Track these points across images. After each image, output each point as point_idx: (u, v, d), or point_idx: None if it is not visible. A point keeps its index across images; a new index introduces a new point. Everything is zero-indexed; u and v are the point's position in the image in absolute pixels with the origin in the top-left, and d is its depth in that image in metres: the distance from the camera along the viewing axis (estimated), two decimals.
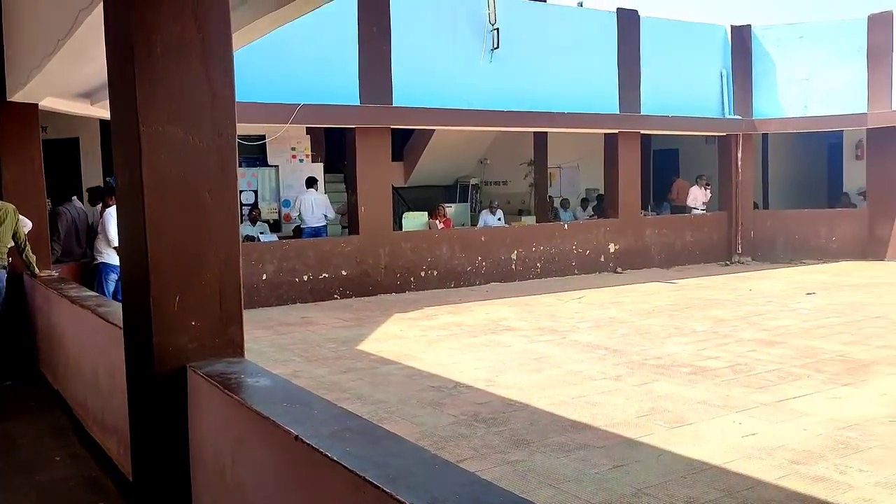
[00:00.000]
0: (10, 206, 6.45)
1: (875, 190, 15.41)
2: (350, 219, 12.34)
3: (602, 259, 14.20)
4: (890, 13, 14.96)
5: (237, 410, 2.60)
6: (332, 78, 11.39)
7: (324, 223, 12.22)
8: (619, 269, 14.22)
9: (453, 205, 15.01)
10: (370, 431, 2.26)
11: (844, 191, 16.95)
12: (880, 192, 15.26)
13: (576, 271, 13.82)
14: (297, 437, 2.19)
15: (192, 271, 3.06)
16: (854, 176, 16.62)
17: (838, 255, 15.30)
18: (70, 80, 6.37)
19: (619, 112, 14.27)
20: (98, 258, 8.52)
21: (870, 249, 15.19)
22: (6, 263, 6.45)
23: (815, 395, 5.85)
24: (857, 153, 16.61)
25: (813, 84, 15.52)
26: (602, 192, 15.45)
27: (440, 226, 13.18)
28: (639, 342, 7.97)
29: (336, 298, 11.41)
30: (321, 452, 2.05)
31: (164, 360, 3.03)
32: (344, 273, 11.56)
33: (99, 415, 4.66)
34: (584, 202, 16.39)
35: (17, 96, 6.84)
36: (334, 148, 14.46)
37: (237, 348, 3.16)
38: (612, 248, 14.30)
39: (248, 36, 4.55)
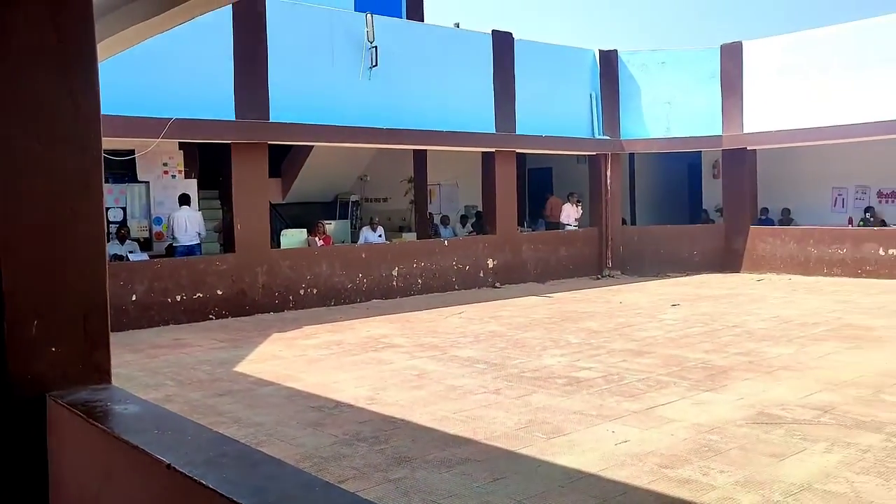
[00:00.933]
0: None
1: (730, 207, 16.56)
2: (226, 236, 11.98)
3: (481, 274, 14.47)
4: (739, 43, 16.18)
5: (103, 441, 2.46)
6: (207, 92, 11.07)
7: (198, 241, 11.80)
8: (497, 284, 14.53)
9: (333, 221, 14.89)
10: (248, 456, 2.19)
11: (704, 207, 18.13)
12: (734, 208, 16.41)
13: (456, 287, 14.01)
14: (169, 466, 2.09)
15: (53, 294, 2.87)
16: (712, 194, 17.82)
17: (699, 267, 16.30)
18: None
19: (495, 131, 14.64)
20: None
21: (727, 262, 16.27)
22: None
23: (680, 401, 6.18)
24: (714, 172, 17.81)
25: (674, 107, 16.52)
26: (480, 209, 15.77)
27: (320, 243, 13.03)
28: (517, 355, 8.17)
29: (211, 319, 11.02)
30: (196, 480, 1.97)
31: (20, 389, 2.82)
32: (219, 292, 11.20)
33: None
34: (464, 219, 16.67)
35: None
36: (209, 163, 14.01)
37: (103, 374, 2.99)
38: (490, 263, 14.60)
39: (115, 46, 4.35)
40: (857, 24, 14.71)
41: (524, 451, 5.04)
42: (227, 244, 11.87)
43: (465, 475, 4.63)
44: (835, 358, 7.65)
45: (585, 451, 5.01)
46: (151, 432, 2.40)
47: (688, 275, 15.92)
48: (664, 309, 11.34)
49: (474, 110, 14.35)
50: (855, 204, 16.25)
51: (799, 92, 15.21)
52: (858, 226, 15.60)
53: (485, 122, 14.53)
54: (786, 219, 16.73)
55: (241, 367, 7.87)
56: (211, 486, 1.92)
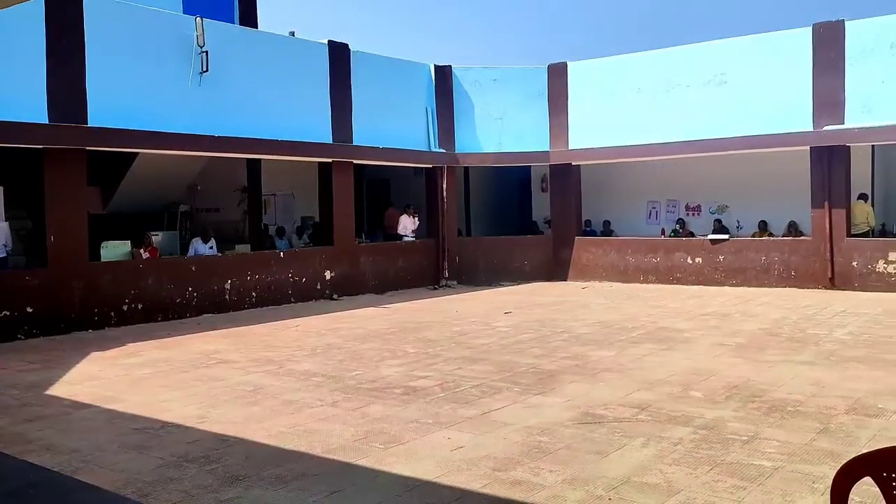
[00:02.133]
0: None
1: (557, 219, 17.47)
2: (38, 249, 11.02)
3: (318, 286, 14.28)
4: (564, 64, 17.14)
5: None
6: (14, 92, 10.17)
7: (3, 254, 10.78)
8: (335, 296, 14.40)
9: (161, 233, 14.13)
10: (60, 484, 2.03)
11: (533, 219, 18.98)
12: (561, 221, 17.33)
13: (292, 299, 13.74)
14: None
15: None
16: (541, 206, 18.71)
17: (530, 276, 17.04)
18: None
19: (332, 141, 14.54)
20: None
21: (555, 271, 17.12)
22: None
23: (512, 405, 6.41)
24: (543, 186, 18.72)
25: (505, 123, 17.21)
26: (318, 219, 15.58)
27: (146, 255, 12.32)
28: (354, 367, 8.13)
29: (20, 339, 10.11)
30: None
31: None
32: (29, 310, 10.29)
33: None
34: (300, 230, 16.40)
35: None
36: (16, 170, 12.85)
37: None
38: (328, 275, 14.45)
39: None
40: (667, 50, 16.05)
41: (362, 463, 5.02)
42: (39, 258, 10.93)
43: (302, 490, 4.54)
44: (650, 359, 8.25)
45: (422, 458, 5.07)
46: None
47: (519, 283, 16.59)
48: (498, 317, 11.73)
49: (311, 120, 14.19)
50: (667, 216, 17.67)
51: (617, 111, 16.34)
52: (669, 236, 16.97)
53: (322, 132, 14.40)
54: (607, 230, 17.89)
55: (55, 390, 7.26)
56: None
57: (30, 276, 10.55)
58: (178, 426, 5.95)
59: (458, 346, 9.30)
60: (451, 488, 4.53)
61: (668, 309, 12.31)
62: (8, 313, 10.10)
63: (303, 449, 5.31)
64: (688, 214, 17.44)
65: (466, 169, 18.60)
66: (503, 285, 16.41)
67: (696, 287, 15.22)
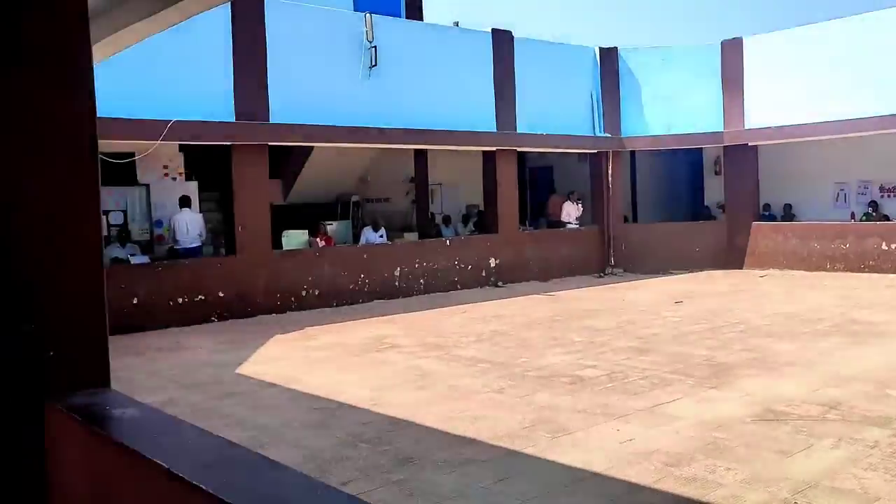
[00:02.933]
0: None
1: (732, 203, 16.50)
2: (227, 238, 11.95)
3: (483, 273, 14.43)
4: (740, 39, 16.13)
5: (102, 446, 2.43)
6: (207, 93, 11.05)
7: (199, 244, 11.78)
8: (499, 283, 14.49)
9: (334, 222, 14.85)
10: (249, 460, 2.16)
11: (705, 204, 18.07)
12: (736, 205, 16.36)
13: (458, 286, 13.97)
14: (169, 471, 2.06)
15: (50, 298, 2.84)
16: (713, 190, 17.76)
17: (702, 264, 16.25)
18: None
19: (496, 130, 14.60)
20: None
21: (729, 259, 16.21)
22: None
23: (685, 398, 6.14)
24: (716, 169, 17.74)
25: (674, 104, 16.47)
26: (482, 208, 15.74)
27: (321, 244, 13.00)
28: (521, 354, 8.13)
29: (213, 321, 11.00)
30: (196, 486, 1.94)
31: (16, 395, 2.79)
32: (221, 295, 11.17)
33: None
34: (466, 218, 16.63)
35: None
36: (210, 165, 13.99)
37: (102, 378, 2.96)
38: (492, 262, 14.56)
39: (110, 48, 4.32)
40: (858, 17, 14.65)
41: (529, 451, 5.01)
42: (229, 246, 11.83)
43: (469, 475, 4.60)
44: (839, 353, 7.61)
45: (590, 449, 4.98)
46: (151, 437, 2.37)
47: (690, 272, 15.87)
48: (667, 306, 11.30)
49: (475, 109, 14.32)
50: (857, 199, 16.19)
51: (800, 87, 15.15)
52: (861, 220, 15.55)
53: (485, 120, 14.49)
54: (788, 214, 16.66)
55: (244, 370, 7.85)
56: (212, 492, 1.88)
57: (221, 263, 11.45)
58: (353, 407, 6.23)
59: (625, 335, 9.06)
60: (622, 481, 4.41)
61: (859, 299, 11.30)
62: (203, 297, 11.02)
63: (470, 434, 5.38)
64: (882, 196, 15.87)
65: (633, 153, 18.02)
66: (672, 273, 15.78)
67: (892, 276, 13.85)
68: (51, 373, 2.85)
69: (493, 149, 14.55)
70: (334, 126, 12.23)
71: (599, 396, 6.29)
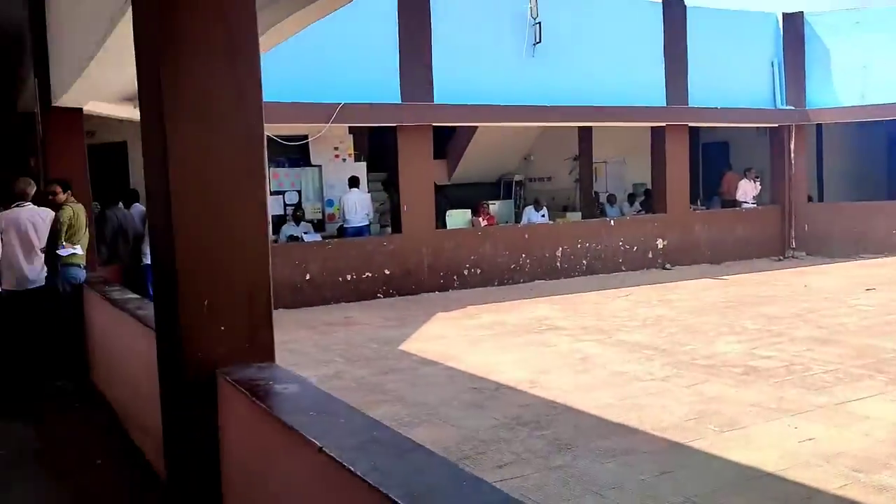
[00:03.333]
0: (80, 207, 6.51)
1: None
2: (392, 218, 12.28)
3: (650, 255, 13.89)
4: None
5: (264, 419, 2.52)
6: (373, 76, 11.35)
7: (366, 223, 12.21)
8: (667, 266, 13.89)
9: (497, 202, 14.86)
10: (398, 443, 2.15)
11: None
12: None
13: (623, 268, 13.55)
14: (320, 449, 2.09)
15: (221, 275, 2.99)
16: None
17: None
18: (111, 84, 6.41)
19: (665, 104, 13.93)
20: (144, 259, 8.61)
21: None
22: (84, 263, 6.51)
23: (877, 396, 5.56)
24: None
25: (870, 72, 14.92)
26: (649, 186, 15.12)
27: (483, 223, 13.05)
28: (688, 341, 7.73)
29: (379, 298, 11.37)
30: (345, 467, 1.95)
31: (193, 365, 2.98)
32: (387, 272, 11.52)
33: (137, 417, 4.66)
34: (631, 197, 16.06)
35: (62, 101, 6.94)
36: (377, 146, 14.45)
37: (267, 353, 3.08)
38: (660, 244, 13.97)
39: (276, 36, 4.49)
40: None
41: (694, 444, 4.73)
42: (394, 225, 12.16)
43: (630, 466, 4.41)
44: None
45: (763, 447, 4.62)
46: (308, 413, 2.43)
47: (885, 256, 14.40)
48: (857, 293, 10.31)
49: (643, 83, 13.72)
50: None
51: None
52: None
53: (655, 94, 13.85)
54: None
55: (406, 346, 8.03)
56: (359, 474, 1.88)
57: (387, 241, 11.80)
58: (511, 388, 6.18)
59: (806, 324, 8.36)
60: (800, 485, 4.05)
61: None
62: (370, 274, 11.42)
63: (631, 424, 5.17)
64: None
65: (819, 126, 16.56)
66: (864, 257, 14.39)
67: None
68: (222, 347, 3.01)
69: (663, 124, 13.89)
70: (498, 105, 12.17)
71: (775, 390, 5.84)
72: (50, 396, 6.25)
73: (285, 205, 12.70)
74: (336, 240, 12.00)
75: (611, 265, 13.46)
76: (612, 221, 13.99)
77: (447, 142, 15.51)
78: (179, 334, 2.96)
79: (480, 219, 13.10)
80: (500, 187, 16.64)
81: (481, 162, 15.86)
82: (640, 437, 4.90)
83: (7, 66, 10.10)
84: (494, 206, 14.19)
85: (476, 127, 14.29)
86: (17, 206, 6.57)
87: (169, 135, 2.89)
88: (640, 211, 15.26)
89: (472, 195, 14.78)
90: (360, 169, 13.29)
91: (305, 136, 12.23)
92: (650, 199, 14.94)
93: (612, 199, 15.41)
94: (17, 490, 4.27)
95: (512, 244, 12.63)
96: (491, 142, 15.32)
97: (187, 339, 2.96)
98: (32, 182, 6.86)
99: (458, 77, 11.93)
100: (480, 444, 4.86)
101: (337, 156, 13.30)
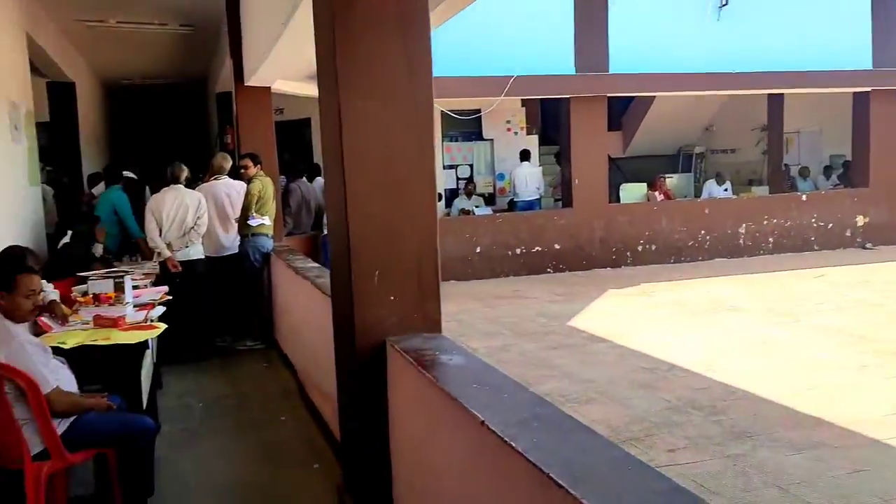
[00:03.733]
0: (269, 180, 6.98)
1: None
2: (564, 191, 12.10)
3: (848, 233, 12.71)
4: None
5: (429, 389, 2.55)
6: (547, 48, 11.15)
7: (537, 197, 12.11)
8: (868, 245, 12.65)
9: (675, 175, 14.21)
10: (560, 422, 2.09)
11: None
12: None
13: (815, 247, 12.51)
14: (483, 423, 2.08)
15: (391, 247, 3.06)
16: None
17: None
18: (296, 63, 6.75)
19: (872, 67, 12.59)
20: (325, 230, 9.07)
21: None
22: (272, 233, 7.00)
23: None
24: None
25: None
26: (849, 158, 13.80)
27: (660, 198, 12.53)
28: (892, 328, 7.00)
29: (549, 272, 11.27)
30: (506, 442, 1.92)
31: (365, 333, 3.07)
32: (557, 247, 11.38)
33: (317, 380, 4.92)
34: (828, 170, 14.74)
35: (252, 80, 7.41)
36: (549, 120, 14.26)
37: (434, 324, 3.12)
38: (860, 221, 12.74)
39: (449, 9, 4.49)
40: None
41: (894, 442, 4.28)
42: (565, 199, 11.98)
43: (819, 461, 4.07)
44: None
45: None
46: (471, 386, 2.42)
47: None
48: None
49: (844, 44, 12.46)
50: None
51: None
52: None
53: (858, 56, 12.55)
54: None
55: (575, 322, 7.90)
56: (520, 451, 1.85)
57: (557, 216, 11.63)
58: (685, 370, 5.90)
59: None
60: None
61: None
62: (539, 248, 11.33)
63: (820, 415, 4.76)
64: None
65: None
66: None
67: None
68: (392, 316, 3.09)
69: (867, 89, 12.57)
70: (678, 73, 11.57)
71: None
72: (241, 356, 6.78)
73: (457, 179, 12.88)
74: (506, 213, 12.02)
75: (801, 244, 12.47)
76: (804, 196, 12.92)
77: (622, 113, 14.99)
78: (352, 303, 3.06)
79: (656, 193, 12.59)
80: (679, 160, 15.87)
81: (659, 133, 15.18)
82: (831, 430, 4.51)
83: (208, 53, 10.96)
84: (672, 180, 13.58)
85: (653, 97, 13.69)
86: (215, 179, 7.13)
87: (343, 109, 2.97)
88: (837, 185, 13.99)
89: (649, 168, 14.22)
90: (532, 142, 13.19)
91: (478, 110, 12.30)
92: (850, 173, 13.64)
93: (804, 173, 14.23)
94: (212, 439, 4.66)
95: (690, 219, 12.04)
96: (670, 112, 14.61)
97: (359, 307, 3.06)
98: (228, 157, 7.42)
99: (636, 45, 11.45)
100: (651, 426, 4.68)
101: (509, 129, 13.28)
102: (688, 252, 11.96)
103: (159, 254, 6.37)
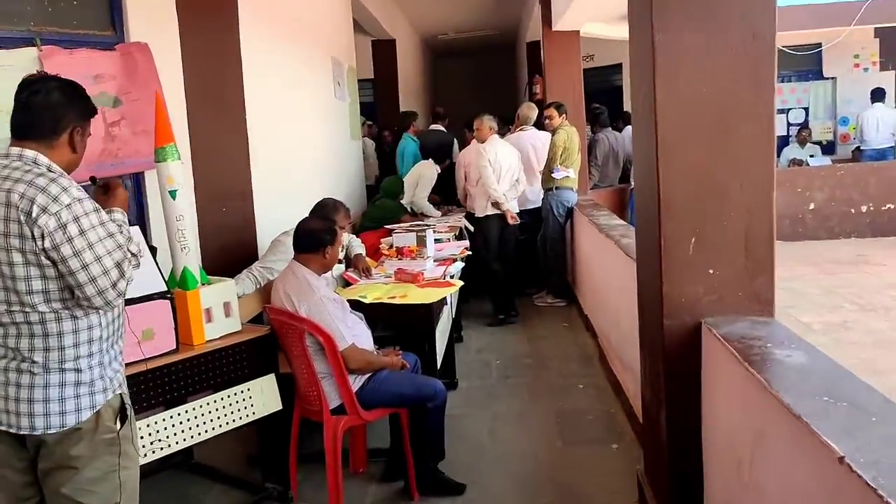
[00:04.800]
0: (574, 130, 6.63)
1: None
2: None
3: None
4: None
5: (758, 392, 2.00)
6: None
7: (891, 144, 10.20)
8: None
9: None
10: None
11: None
12: None
13: None
14: (841, 459, 1.51)
15: (711, 209, 2.51)
16: None
17: None
18: (606, 2, 6.23)
19: None
20: (633, 184, 8.48)
21: None
22: (576, 186, 6.68)
23: None
24: None
25: None
26: None
27: None
28: None
29: None
30: (882, 497, 1.35)
31: (673, 311, 2.59)
32: None
33: (619, 350, 4.51)
34: None
35: (560, 24, 7.03)
36: None
37: (765, 306, 2.52)
38: None
39: None
40: None
41: None
42: None
43: None
44: None
45: None
46: (819, 399, 1.83)
47: None
48: None
49: None
50: None
51: None
52: None
53: None
54: None
55: None
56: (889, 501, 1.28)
57: None
58: None
59: None
60: None
61: None
62: (892, 206, 9.53)
63: None
64: None
65: None
66: None
67: None
68: (709, 294, 2.55)
69: None
70: None
71: None
72: (541, 313, 6.58)
73: (788, 125, 11.40)
74: (850, 164, 10.29)
75: None
76: None
77: None
78: (661, 273, 2.58)
79: None
80: None
81: None
82: None
83: (519, 1, 10.81)
84: None
85: None
86: (521, 129, 6.94)
87: (657, 44, 2.47)
88: None
89: None
90: (888, 80, 11.12)
91: (817, 45, 10.64)
92: None
93: None
94: (507, 401, 4.51)
95: None
96: None
97: (669, 280, 2.57)
98: (535, 107, 7.17)
99: None
100: None
101: (857, 65, 11.34)
102: None
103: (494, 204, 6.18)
